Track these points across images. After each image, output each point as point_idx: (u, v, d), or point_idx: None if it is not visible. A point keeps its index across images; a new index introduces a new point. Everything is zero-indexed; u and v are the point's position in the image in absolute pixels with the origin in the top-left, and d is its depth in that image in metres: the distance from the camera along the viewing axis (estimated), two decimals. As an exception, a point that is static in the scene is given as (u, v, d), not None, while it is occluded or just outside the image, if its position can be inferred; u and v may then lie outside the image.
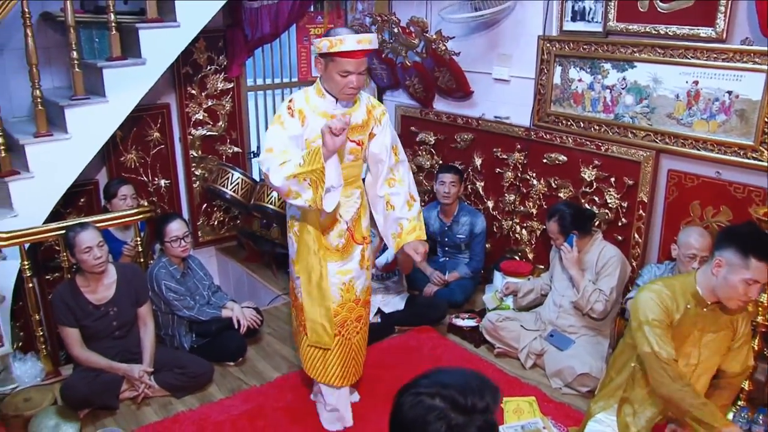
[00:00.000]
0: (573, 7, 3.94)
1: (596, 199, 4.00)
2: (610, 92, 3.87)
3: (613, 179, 3.95)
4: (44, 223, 3.84)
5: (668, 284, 2.64)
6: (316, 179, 2.70)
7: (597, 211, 4.00)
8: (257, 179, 5.14)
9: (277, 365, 3.91)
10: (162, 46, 4.10)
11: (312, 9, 5.55)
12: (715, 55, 3.37)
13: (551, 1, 4.05)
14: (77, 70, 3.91)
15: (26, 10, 3.65)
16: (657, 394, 2.60)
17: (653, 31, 3.57)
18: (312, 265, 3.01)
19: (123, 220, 4.03)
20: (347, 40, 2.72)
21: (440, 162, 4.98)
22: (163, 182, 5.15)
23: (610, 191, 3.97)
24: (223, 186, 4.91)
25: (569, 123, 4.12)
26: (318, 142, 2.72)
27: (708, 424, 2.43)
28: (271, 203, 4.74)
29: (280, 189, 2.76)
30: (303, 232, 3.02)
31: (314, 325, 3.07)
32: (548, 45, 4.11)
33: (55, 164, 3.86)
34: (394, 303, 4.27)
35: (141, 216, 4.05)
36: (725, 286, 2.48)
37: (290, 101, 2.90)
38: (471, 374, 1.38)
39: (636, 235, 3.89)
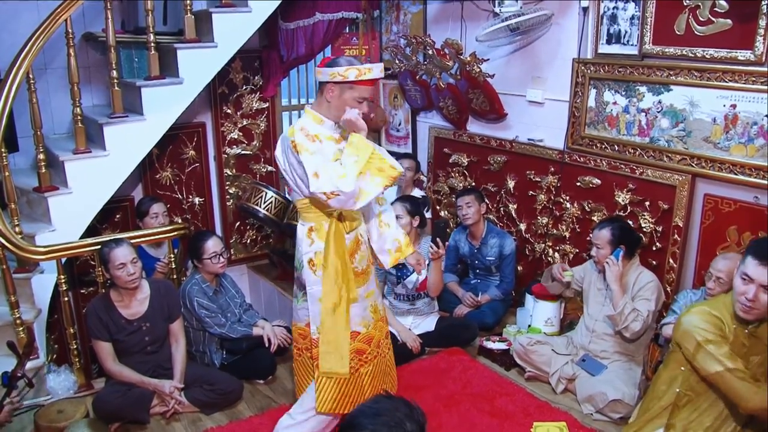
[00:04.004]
0: (608, 30, 3.93)
1: (630, 223, 3.95)
2: (646, 115, 3.83)
3: (647, 203, 3.90)
4: (81, 238, 3.91)
5: (711, 305, 2.70)
6: (378, 162, 2.81)
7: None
8: (290, 198, 5.18)
9: (306, 384, 3.90)
10: (199, 66, 4.17)
11: (347, 30, 5.62)
12: (753, 79, 3.32)
13: (586, 24, 4.04)
14: (116, 88, 3.99)
15: (70, 30, 3.76)
16: (747, 409, 2.55)
17: (690, 54, 3.54)
18: (341, 295, 2.96)
19: (158, 236, 4.08)
20: (375, 69, 2.85)
21: (473, 184, 4.98)
22: (197, 200, 5.22)
23: (644, 215, 3.92)
24: (257, 204, 4.95)
25: (603, 146, 4.09)
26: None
27: None
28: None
29: (351, 194, 2.74)
30: (329, 261, 2.91)
31: (330, 354, 2.96)
32: (583, 68, 4.09)
33: (93, 181, 3.94)
34: (425, 324, 4.24)
35: (175, 233, 4.10)
36: (735, 288, 2.58)
37: (301, 129, 2.86)
38: (398, 404, 1.56)
39: (671, 260, 3.83)
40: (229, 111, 5.23)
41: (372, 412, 1.54)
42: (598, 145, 4.11)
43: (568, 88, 4.22)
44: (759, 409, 2.52)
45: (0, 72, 3.87)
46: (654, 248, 3.89)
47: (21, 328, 3.64)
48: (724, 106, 3.45)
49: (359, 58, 5.60)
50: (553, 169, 4.41)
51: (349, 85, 2.83)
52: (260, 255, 5.67)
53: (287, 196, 2.83)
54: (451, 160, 5.16)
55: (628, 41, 3.84)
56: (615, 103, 3.98)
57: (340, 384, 2.97)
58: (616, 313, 3.49)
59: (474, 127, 5.04)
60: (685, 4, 3.50)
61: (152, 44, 4.04)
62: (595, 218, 4.16)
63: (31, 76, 3.67)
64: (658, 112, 3.76)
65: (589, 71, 4.07)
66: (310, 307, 2.97)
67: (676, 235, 3.77)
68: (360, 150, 2.79)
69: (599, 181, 4.14)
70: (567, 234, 4.41)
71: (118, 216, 4.82)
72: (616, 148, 4.02)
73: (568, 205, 4.35)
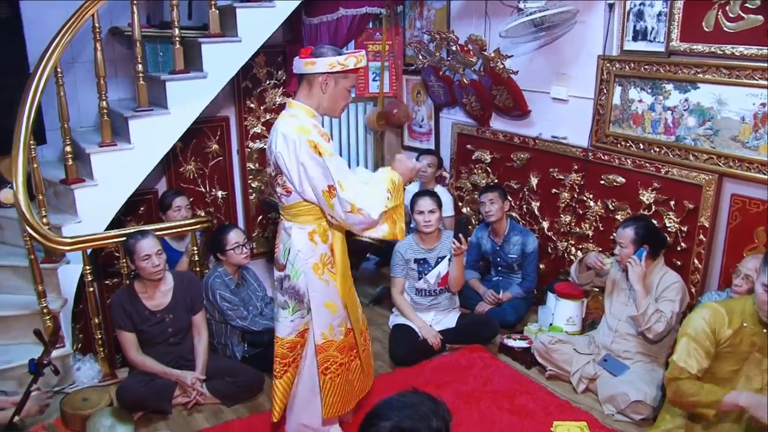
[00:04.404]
0: (635, 26, 3.89)
1: (655, 222, 3.91)
2: (672, 113, 3.79)
3: (672, 203, 3.87)
4: (106, 229, 3.96)
5: (727, 303, 2.73)
6: (398, 215, 2.80)
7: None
8: (283, 201, 5.21)
9: (326, 378, 3.91)
10: (223, 60, 4.19)
11: (370, 26, 5.62)
12: (784, 77, 3.28)
13: (612, 21, 4.01)
14: (142, 82, 4.02)
15: (97, 24, 3.79)
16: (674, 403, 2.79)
17: (719, 51, 3.49)
18: (354, 298, 2.99)
19: (181, 229, 4.11)
20: (363, 55, 2.81)
21: (495, 180, 4.96)
22: (220, 193, 5.25)
23: (669, 215, 3.88)
24: None
25: (628, 144, 4.05)
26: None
27: (711, 402, 2.58)
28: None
29: (373, 222, 2.74)
30: (339, 259, 2.93)
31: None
32: (608, 65, 4.06)
33: (118, 173, 3.98)
34: (446, 321, 4.25)
35: (198, 226, 4.13)
36: (757, 297, 2.55)
37: (314, 127, 2.77)
38: (423, 399, 1.55)
39: (696, 261, 3.79)
40: (252, 105, 5.25)
41: (399, 404, 1.54)
42: (623, 143, 4.08)
43: (593, 86, 4.18)
44: (679, 405, 2.78)
45: (29, 66, 3.92)
46: (679, 248, 3.86)
47: (47, 317, 3.70)
48: (754, 104, 3.40)
49: (383, 54, 5.61)
50: (576, 166, 4.38)
51: (342, 74, 2.78)
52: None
53: (278, 197, 2.67)
54: (473, 157, 5.14)
55: (654, 38, 3.80)
56: (640, 100, 3.94)
57: (342, 384, 2.98)
58: (639, 314, 3.46)
59: (497, 123, 5.02)
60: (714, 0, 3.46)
61: (177, 39, 4.07)
62: (618, 217, 4.13)
63: (59, 69, 3.71)
64: (685, 110, 3.72)
65: (614, 68, 4.03)
66: (314, 314, 2.87)
67: (701, 236, 3.73)
68: (396, 193, 2.80)
69: (623, 180, 4.10)
70: (590, 232, 4.38)
71: (142, 208, 4.86)
72: (641, 147, 3.98)
73: (592, 204, 4.32)
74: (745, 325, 2.58)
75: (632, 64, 3.93)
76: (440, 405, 1.59)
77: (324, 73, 2.73)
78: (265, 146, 5.22)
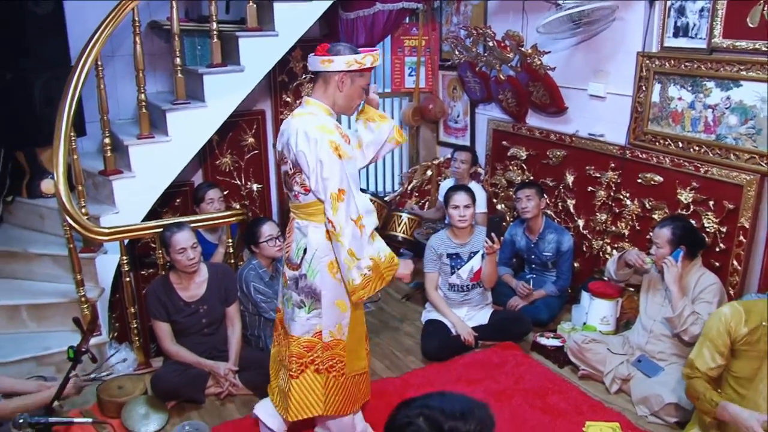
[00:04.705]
0: (675, 22, 3.82)
1: (693, 222, 3.84)
2: (713, 112, 3.72)
3: (711, 203, 3.79)
4: (142, 220, 4.02)
5: (749, 302, 2.77)
6: (380, 279, 2.75)
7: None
8: (298, 200, 5.25)
9: (357, 372, 3.93)
10: (260, 54, 4.22)
11: (407, 21, 5.61)
12: (831, 75, 3.19)
13: (652, 17, 3.94)
14: (179, 75, 4.07)
15: (136, 18, 3.85)
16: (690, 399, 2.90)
17: (764, 48, 3.41)
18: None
19: (216, 221, 4.15)
20: (378, 53, 2.78)
21: (531, 177, 4.92)
22: (255, 186, 5.29)
23: (708, 215, 3.81)
24: (393, 230, 5.01)
25: (667, 143, 3.99)
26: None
27: (707, 409, 2.69)
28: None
29: (360, 245, 2.68)
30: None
31: (355, 354, 2.97)
32: (648, 62, 3.99)
33: (156, 165, 4.04)
34: (478, 317, 4.24)
35: (233, 218, 4.16)
36: None
37: (337, 128, 2.74)
38: (463, 400, 1.50)
39: (735, 262, 3.71)
40: (288, 99, 5.27)
41: (443, 397, 1.52)
42: (662, 141, 4.01)
43: (632, 83, 4.12)
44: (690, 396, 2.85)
45: (71, 59, 3.99)
46: (717, 249, 3.78)
47: (85, 306, 3.77)
48: (798, 103, 3.33)
49: (419, 49, 5.60)
50: (613, 164, 4.32)
51: (359, 72, 2.76)
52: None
53: (294, 195, 2.63)
54: (509, 154, 5.11)
55: (696, 34, 3.73)
56: (680, 98, 3.87)
57: (346, 383, 2.95)
58: (675, 316, 3.40)
59: (533, 120, 4.98)
60: (760, -5, 3.39)
61: (215, 32, 4.11)
62: (655, 216, 4.07)
63: (99, 63, 3.77)
64: (726, 108, 3.64)
65: (654, 65, 3.97)
66: (324, 313, 2.83)
67: (741, 237, 3.65)
68: (389, 263, 2.78)
69: (661, 179, 4.04)
70: (626, 231, 4.32)
71: (178, 200, 4.93)
72: (680, 145, 3.91)
73: (628, 202, 4.26)
74: (764, 323, 2.59)
75: (672, 61, 3.86)
76: (483, 409, 1.53)
77: (341, 71, 2.71)
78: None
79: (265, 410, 3.14)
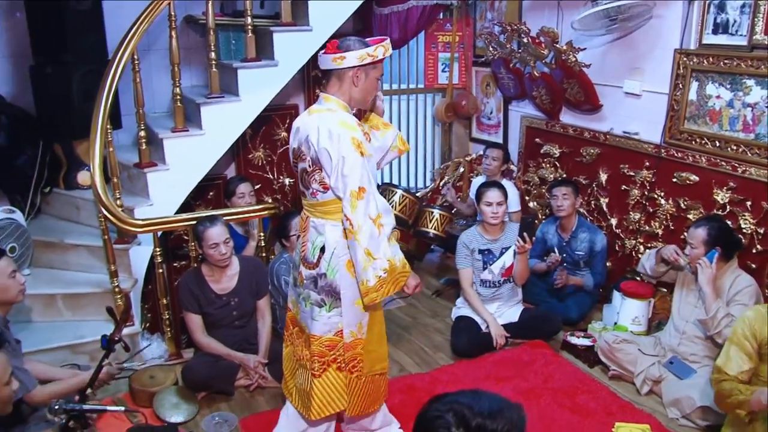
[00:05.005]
0: (715, 19, 3.75)
1: (729, 223, 3.78)
2: (752, 110, 3.64)
3: (749, 203, 3.72)
4: (176, 213, 4.06)
5: None
6: (393, 283, 2.73)
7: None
8: (379, 183, 5.24)
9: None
10: (294, 49, 4.24)
11: (441, 16, 5.58)
12: None
13: (691, 13, 3.87)
14: (214, 69, 4.11)
15: (172, 13, 3.89)
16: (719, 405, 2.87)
17: (805, 47, 3.34)
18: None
19: (248, 215, 4.18)
20: (389, 43, 2.72)
21: (564, 175, 4.87)
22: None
23: (744, 216, 3.74)
24: (424, 226, 5.01)
25: (703, 141, 3.92)
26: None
27: (741, 401, 2.66)
28: (392, 207, 4.79)
29: (377, 244, 2.65)
30: None
31: (375, 354, 2.94)
32: (685, 59, 3.92)
33: (189, 158, 4.08)
34: (509, 314, 4.22)
35: (265, 212, 4.19)
36: None
37: (359, 125, 2.71)
38: (495, 399, 1.48)
39: (772, 264, 3.65)
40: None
41: (475, 395, 1.52)
42: (698, 140, 3.94)
43: (668, 80, 4.05)
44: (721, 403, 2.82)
45: (108, 53, 4.05)
46: (754, 251, 3.71)
47: (119, 296, 3.84)
48: (841, 102, 3.25)
49: (453, 45, 5.57)
50: (648, 163, 4.26)
51: (372, 65, 2.69)
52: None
53: (311, 193, 2.62)
54: (542, 151, 5.07)
55: (736, 31, 3.65)
56: (718, 96, 3.80)
57: (368, 383, 2.92)
58: (708, 318, 3.34)
59: (567, 117, 4.93)
60: (803, -9, 3.31)
61: (249, 27, 4.13)
62: (690, 216, 4.00)
63: (135, 56, 3.83)
64: (767, 107, 3.57)
65: (691, 63, 3.90)
66: (345, 312, 2.79)
67: (779, 238, 3.59)
68: (402, 269, 2.76)
69: (697, 178, 3.97)
70: (660, 231, 4.25)
71: (211, 193, 4.97)
72: (717, 144, 3.84)
73: (663, 202, 4.20)
74: None
75: (711, 59, 3.79)
76: (514, 410, 1.52)
77: (355, 66, 2.66)
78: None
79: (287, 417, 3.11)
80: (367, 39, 2.76)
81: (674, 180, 4.09)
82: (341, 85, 2.71)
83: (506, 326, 4.14)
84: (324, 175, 2.67)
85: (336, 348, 2.83)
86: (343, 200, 2.63)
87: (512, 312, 4.24)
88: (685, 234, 3.70)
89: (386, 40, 2.72)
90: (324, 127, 2.63)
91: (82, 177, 4.31)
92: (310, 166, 2.72)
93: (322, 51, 2.72)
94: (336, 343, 2.82)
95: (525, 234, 3.96)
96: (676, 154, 4.07)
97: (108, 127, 3.75)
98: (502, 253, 4.16)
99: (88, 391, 2.84)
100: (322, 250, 2.75)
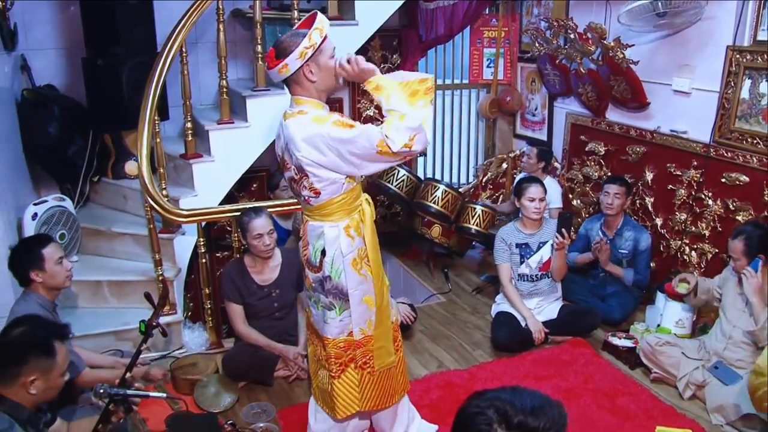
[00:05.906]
0: (770, 16, 3.65)
1: (778, 226, 3.68)
2: (807, 110, 3.54)
3: (801, 205, 3.62)
4: (220, 204, 4.12)
5: None
6: (408, 88, 2.52)
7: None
8: (422, 177, 5.25)
9: (426, 363, 3.93)
10: (340, 43, 4.15)
11: (487, 11, 5.54)
12: None
13: (746, 9, 3.77)
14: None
15: (220, 7, 3.94)
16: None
17: None
18: (383, 292, 2.89)
19: (291, 207, 4.20)
20: (321, 19, 2.53)
21: (609, 173, 4.80)
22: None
23: (797, 218, 3.64)
24: (388, 182, 5.00)
25: (755, 141, 3.81)
26: None
27: None
28: (434, 202, 4.80)
29: (421, 127, 2.47)
30: (373, 257, 2.80)
31: (384, 350, 2.91)
32: (738, 56, 3.82)
33: (234, 150, 4.13)
34: (548, 311, 4.19)
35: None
36: None
37: (330, 114, 2.61)
38: (536, 396, 1.46)
39: (824, 269, 3.53)
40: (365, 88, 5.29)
41: (516, 392, 1.51)
42: (749, 139, 3.84)
43: (719, 78, 3.96)
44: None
45: (157, 46, 4.12)
46: (805, 254, 3.61)
47: (162, 285, 3.90)
48: None
49: (499, 41, 5.52)
50: (696, 163, 4.17)
51: (318, 50, 2.50)
52: (389, 232, 5.67)
53: (304, 200, 2.69)
54: (587, 149, 5.00)
55: (792, 29, 3.55)
56: (772, 95, 3.70)
57: (380, 378, 2.90)
58: (758, 329, 3.24)
59: (613, 115, 4.85)
60: None
61: (296, 21, 4.14)
62: (739, 218, 3.91)
63: (183, 49, 3.89)
64: (822, 107, 3.46)
65: (744, 60, 3.80)
66: (354, 311, 2.75)
67: (832, 242, 3.47)
68: (390, 88, 2.51)
69: (747, 179, 3.87)
70: (707, 232, 4.16)
71: (254, 185, 5.02)
72: (770, 145, 3.74)
73: (710, 202, 4.11)
74: None
75: (765, 56, 3.69)
76: (555, 408, 1.51)
77: (301, 66, 2.50)
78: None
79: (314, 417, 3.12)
80: (296, 25, 2.65)
81: (723, 180, 3.99)
82: (301, 86, 2.59)
83: (546, 323, 4.10)
84: (312, 181, 2.59)
85: (350, 348, 2.82)
86: (393, 148, 2.48)
87: (552, 308, 4.21)
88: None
89: (316, 17, 2.53)
90: (299, 137, 2.54)
91: (129, 167, 4.40)
92: (296, 174, 2.65)
93: (266, 66, 2.62)
94: (350, 344, 2.81)
95: (563, 230, 3.96)
96: (725, 154, 3.98)
97: (155, 118, 3.81)
98: (539, 248, 4.13)
99: (128, 375, 2.90)
100: (323, 253, 2.71)
